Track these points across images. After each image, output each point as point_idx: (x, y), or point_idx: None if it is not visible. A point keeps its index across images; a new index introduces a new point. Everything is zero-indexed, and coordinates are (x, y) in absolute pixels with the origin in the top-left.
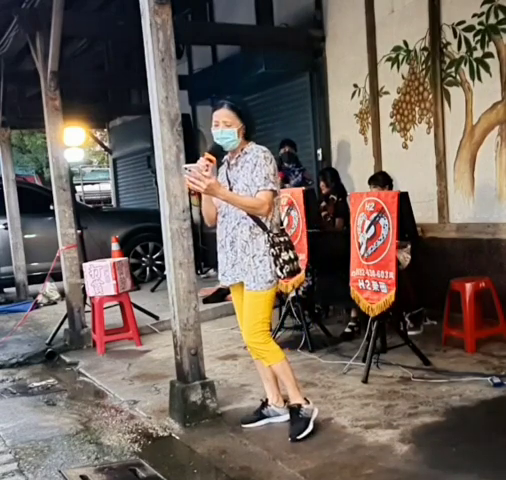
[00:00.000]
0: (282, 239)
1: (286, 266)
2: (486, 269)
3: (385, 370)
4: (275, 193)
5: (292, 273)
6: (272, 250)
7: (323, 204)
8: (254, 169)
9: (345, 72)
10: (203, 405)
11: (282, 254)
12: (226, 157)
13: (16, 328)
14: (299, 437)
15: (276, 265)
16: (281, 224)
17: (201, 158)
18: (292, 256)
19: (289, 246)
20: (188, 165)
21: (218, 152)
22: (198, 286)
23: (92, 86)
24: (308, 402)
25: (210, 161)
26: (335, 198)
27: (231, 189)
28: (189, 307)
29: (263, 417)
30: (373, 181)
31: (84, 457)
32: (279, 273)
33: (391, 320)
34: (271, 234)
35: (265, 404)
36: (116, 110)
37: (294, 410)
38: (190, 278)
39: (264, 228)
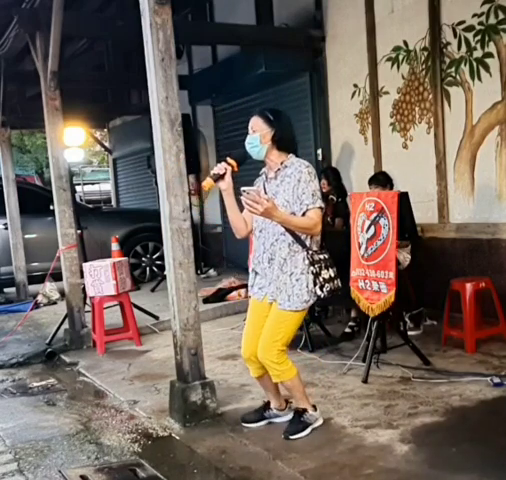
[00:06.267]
0: (322, 256)
1: (327, 285)
2: (486, 269)
3: (385, 370)
4: (322, 209)
5: (333, 292)
6: (312, 268)
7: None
8: (298, 185)
9: (345, 72)
10: (203, 405)
11: (322, 272)
12: (264, 169)
13: (16, 328)
14: (292, 437)
15: (316, 284)
16: (322, 241)
17: (222, 162)
18: (332, 274)
19: (329, 264)
20: (247, 188)
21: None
22: (198, 286)
23: (92, 86)
24: (315, 409)
25: (230, 166)
26: (334, 198)
27: None
28: (189, 307)
29: (264, 418)
30: (373, 181)
31: (84, 457)
32: (319, 292)
33: (391, 320)
34: (311, 251)
35: (267, 406)
36: (116, 110)
37: (298, 413)
38: (190, 278)
39: (303, 245)
